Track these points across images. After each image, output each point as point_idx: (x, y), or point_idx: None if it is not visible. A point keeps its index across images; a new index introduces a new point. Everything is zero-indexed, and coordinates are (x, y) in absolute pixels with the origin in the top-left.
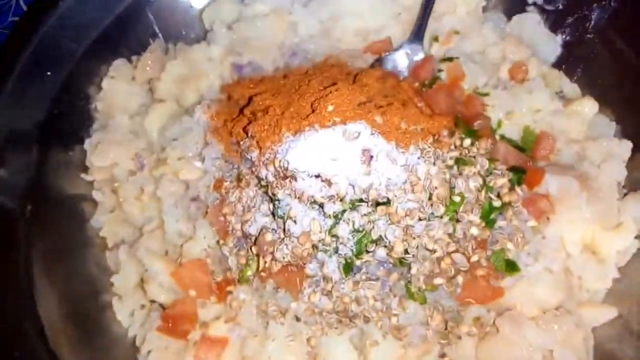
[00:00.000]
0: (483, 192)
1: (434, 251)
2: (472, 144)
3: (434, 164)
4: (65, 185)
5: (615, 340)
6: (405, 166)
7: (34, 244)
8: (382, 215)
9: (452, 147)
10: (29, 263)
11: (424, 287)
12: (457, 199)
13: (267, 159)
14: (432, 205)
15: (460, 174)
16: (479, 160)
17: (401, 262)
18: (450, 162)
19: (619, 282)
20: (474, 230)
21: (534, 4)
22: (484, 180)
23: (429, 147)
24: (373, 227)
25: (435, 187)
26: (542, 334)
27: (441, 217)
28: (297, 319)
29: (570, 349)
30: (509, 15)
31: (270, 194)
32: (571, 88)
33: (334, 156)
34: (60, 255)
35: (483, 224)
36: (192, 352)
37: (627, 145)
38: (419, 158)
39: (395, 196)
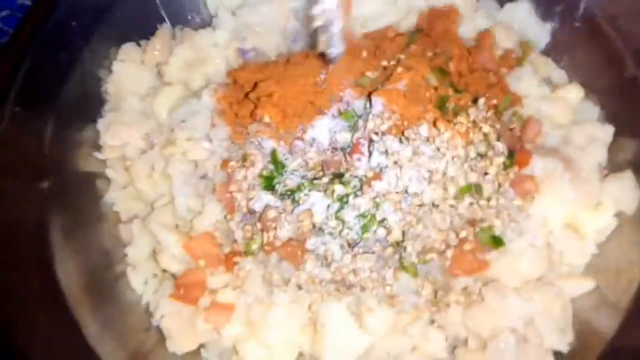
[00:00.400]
0: (488, 175)
1: (429, 236)
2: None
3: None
4: (80, 164)
5: (593, 310)
6: (414, 148)
7: (51, 218)
8: (387, 199)
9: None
10: (48, 237)
11: (416, 262)
12: (462, 182)
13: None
14: (436, 190)
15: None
16: (494, 143)
17: (397, 243)
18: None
19: (597, 257)
20: (471, 212)
21: None
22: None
23: (444, 129)
24: (377, 210)
25: (444, 174)
26: (524, 303)
27: (442, 203)
28: (299, 288)
29: (550, 317)
30: (502, 3)
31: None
32: (558, 74)
33: (340, 138)
34: (77, 228)
35: (477, 205)
36: (202, 316)
37: (609, 130)
38: (428, 141)
39: (400, 178)
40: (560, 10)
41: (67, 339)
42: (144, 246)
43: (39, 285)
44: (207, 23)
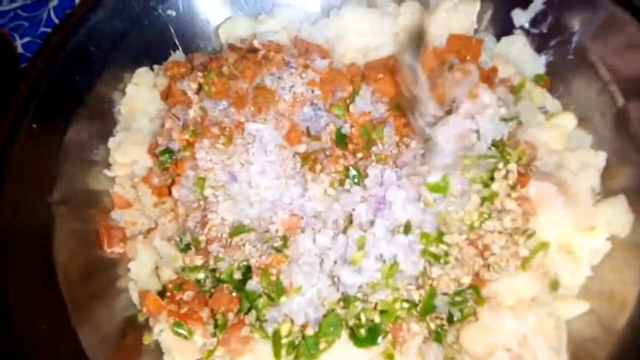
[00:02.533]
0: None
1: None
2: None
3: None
4: (90, 180)
5: (587, 332)
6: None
7: (58, 231)
8: None
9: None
10: (53, 248)
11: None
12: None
13: None
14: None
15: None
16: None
17: None
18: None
19: (592, 279)
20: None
21: (521, 27)
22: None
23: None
24: None
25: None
26: (518, 322)
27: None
28: None
29: (543, 336)
30: (498, 37)
31: None
32: (553, 104)
33: None
34: (82, 242)
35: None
36: (200, 330)
37: (602, 156)
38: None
39: None
40: (553, 44)
41: (65, 350)
42: (147, 261)
43: (42, 296)
44: (217, 51)
